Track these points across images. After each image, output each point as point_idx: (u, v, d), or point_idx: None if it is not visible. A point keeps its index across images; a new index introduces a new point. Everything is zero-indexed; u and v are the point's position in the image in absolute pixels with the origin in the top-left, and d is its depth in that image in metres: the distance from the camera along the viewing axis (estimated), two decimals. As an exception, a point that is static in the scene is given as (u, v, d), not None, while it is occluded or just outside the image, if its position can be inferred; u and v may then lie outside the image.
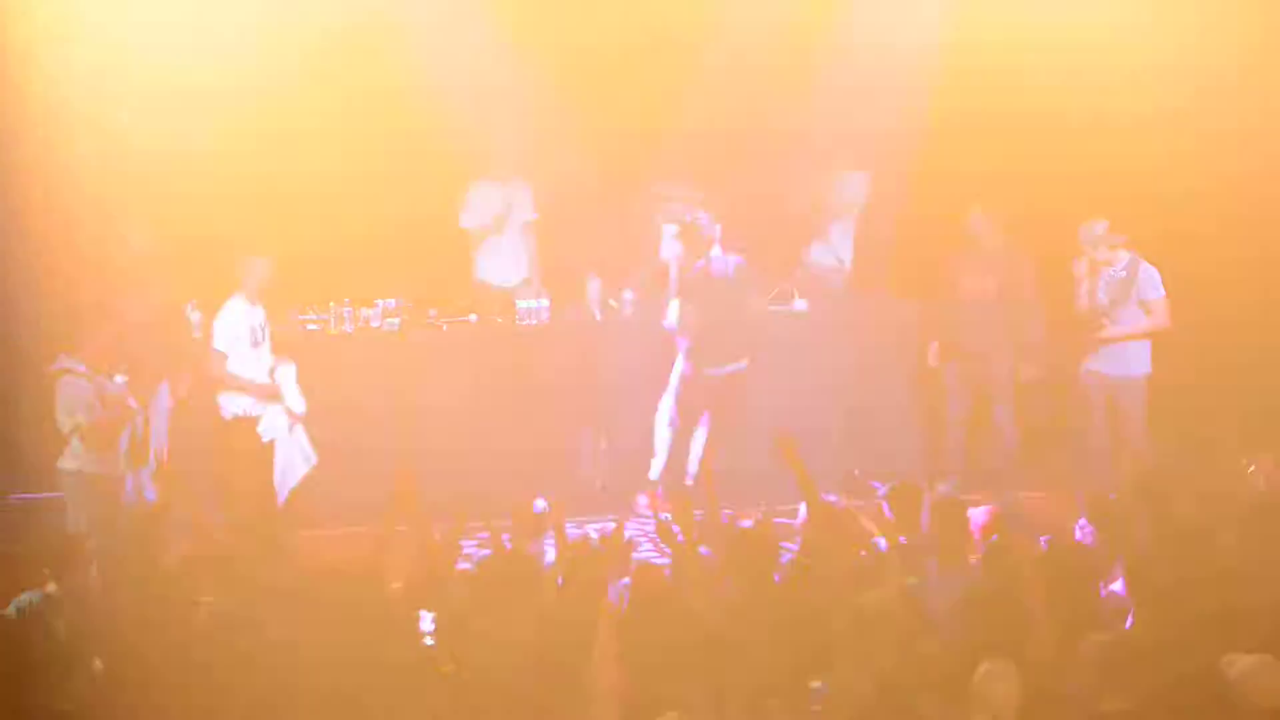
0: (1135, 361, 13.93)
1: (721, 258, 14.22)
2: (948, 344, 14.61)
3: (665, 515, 12.96)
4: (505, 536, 10.55)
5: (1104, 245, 13.77)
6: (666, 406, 14.32)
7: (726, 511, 13.26)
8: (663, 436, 14.37)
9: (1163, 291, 13.79)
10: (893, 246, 16.35)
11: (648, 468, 14.65)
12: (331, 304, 14.17)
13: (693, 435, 14.51)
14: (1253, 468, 13.82)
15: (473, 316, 14.71)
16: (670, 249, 14.87)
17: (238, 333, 13.28)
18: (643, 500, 14.29)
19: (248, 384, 13.36)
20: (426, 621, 9.13)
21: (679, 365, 14.27)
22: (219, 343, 13.28)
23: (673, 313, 14.11)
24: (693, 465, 14.40)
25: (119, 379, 12.36)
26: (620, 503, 14.37)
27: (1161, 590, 9.28)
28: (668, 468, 14.39)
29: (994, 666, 8.16)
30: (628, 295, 14.88)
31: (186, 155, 15.16)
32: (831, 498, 14.26)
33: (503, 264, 15.26)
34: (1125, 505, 10.37)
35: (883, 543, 10.42)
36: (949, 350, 14.60)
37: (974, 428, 14.82)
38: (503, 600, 9.00)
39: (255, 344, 13.37)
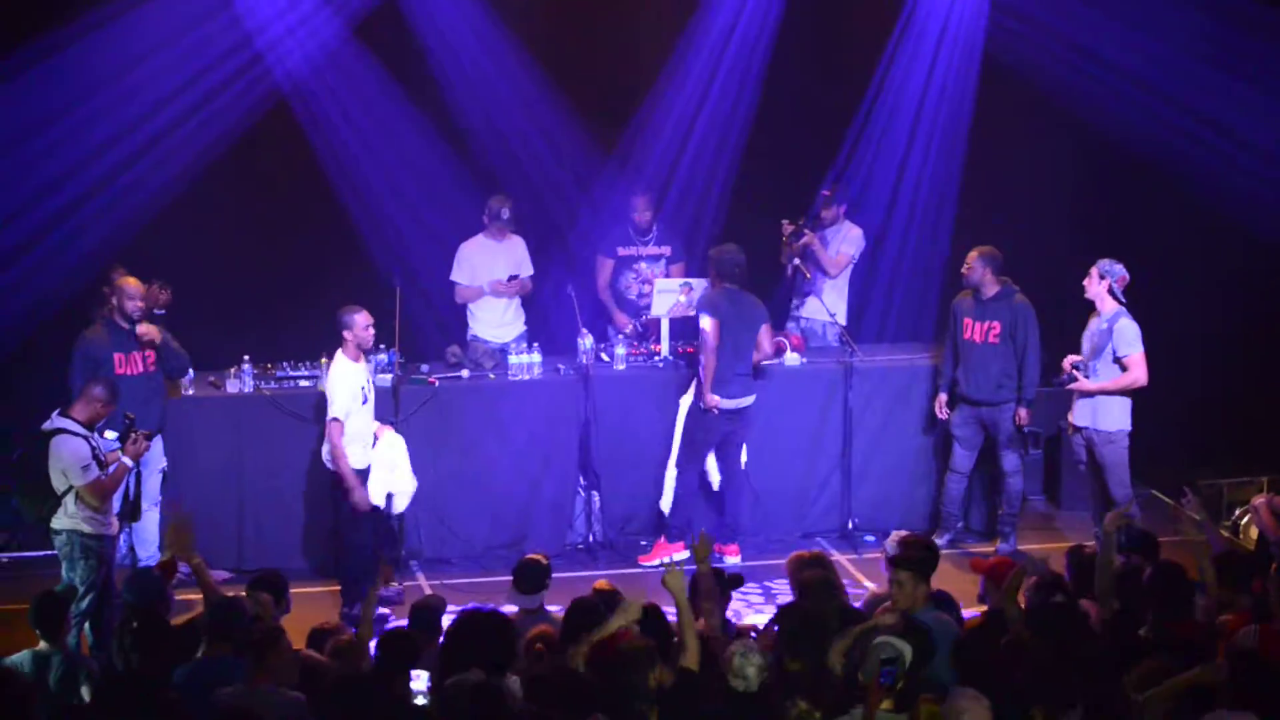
0: (1111, 417, 13.80)
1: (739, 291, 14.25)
2: (953, 393, 14.56)
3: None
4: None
5: (1106, 287, 13.72)
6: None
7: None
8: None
9: (1140, 348, 13.66)
10: (887, 298, 16.57)
11: (638, 522, 14.67)
12: (323, 359, 14.10)
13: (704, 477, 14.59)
14: (1246, 518, 13.86)
15: (465, 372, 14.66)
16: (663, 305, 14.91)
17: (352, 393, 13.12)
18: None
19: (351, 473, 13.19)
20: (420, 681, 9.09)
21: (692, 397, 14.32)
22: (336, 409, 13.07)
23: (709, 331, 14.05)
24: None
25: (112, 436, 12.32)
26: (614, 558, 14.39)
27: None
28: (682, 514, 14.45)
29: (966, 692, 8.34)
30: (620, 352, 14.85)
31: (176, 215, 15.37)
32: (821, 543, 14.43)
33: (496, 320, 15.23)
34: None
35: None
36: (954, 398, 14.56)
37: (986, 475, 14.82)
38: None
39: (364, 402, 13.22)
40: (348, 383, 13.09)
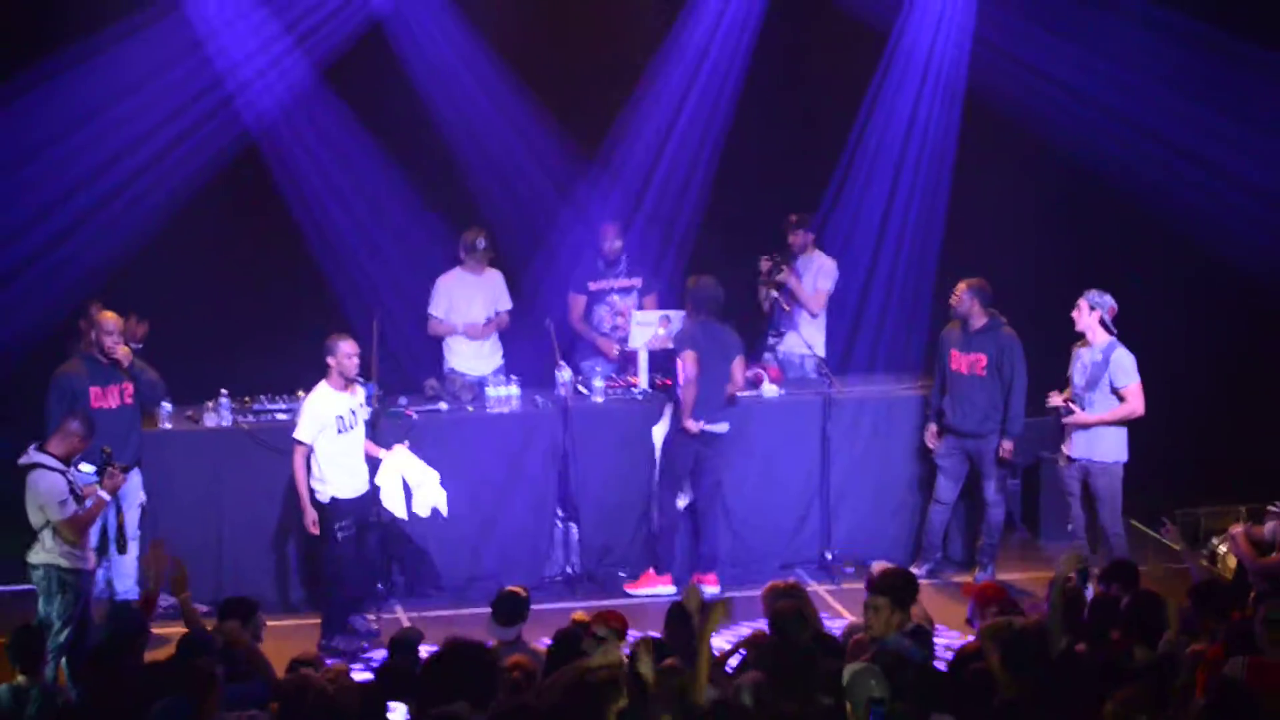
0: (1106, 448, 13.80)
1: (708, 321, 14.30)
2: (939, 423, 14.59)
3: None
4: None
5: (1098, 319, 13.74)
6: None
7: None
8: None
9: (1137, 378, 13.69)
10: (876, 329, 16.65)
11: (617, 554, 14.67)
12: (300, 391, 14.10)
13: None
14: (1224, 547, 13.88)
15: (443, 404, 14.66)
16: (640, 337, 14.93)
17: (323, 421, 13.16)
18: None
19: (306, 494, 13.23)
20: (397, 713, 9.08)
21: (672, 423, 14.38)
22: (299, 431, 13.19)
23: (690, 363, 14.13)
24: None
25: (88, 470, 12.30)
26: (592, 589, 14.37)
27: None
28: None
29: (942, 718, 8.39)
30: (598, 384, 14.86)
31: (154, 249, 15.42)
32: (800, 574, 14.41)
33: (473, 352, 15.24)
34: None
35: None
36: (940, 428, 14.59)
37: (966, 506, 14.86)
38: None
39: (342, 430, 13.24)
40: (319, 408, 13.15)
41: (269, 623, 11.07)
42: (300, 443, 13.13)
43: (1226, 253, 15.80)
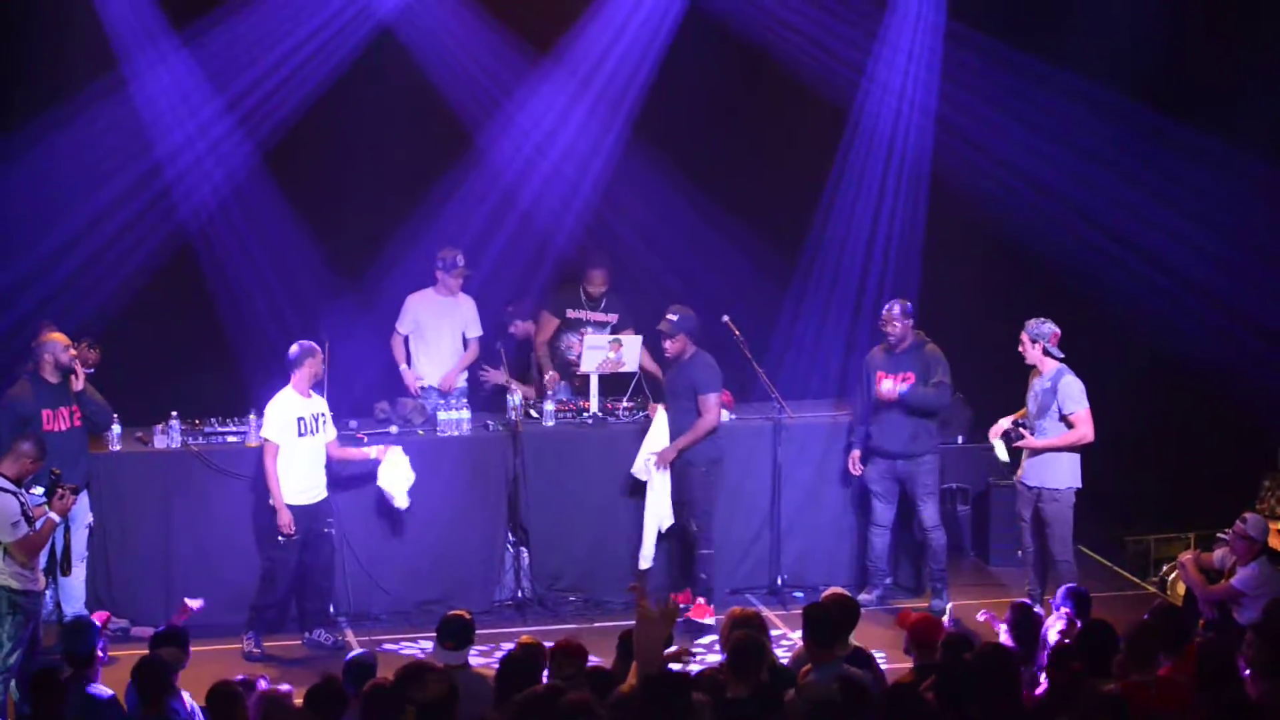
0: (1058, 474, 13.74)
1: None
2: (867, 448, 14.62)
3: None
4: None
5: (1041, 349, 13.77)
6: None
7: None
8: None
9: (1085, 405, 13.67)
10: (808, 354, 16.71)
11: (568, 579, 14.65)
12: (251, 414, 14.07)
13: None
14: (1174, 574, 13.94)
15: (394, 428, 14.63)
16: (592, 361, 14.93)
17: (284, 421, 13.31)
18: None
19: (279, 494, 13.37)
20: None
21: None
22: (267, 430, 13.37)
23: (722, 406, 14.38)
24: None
25: (38, 492, 12.24)
26: (542, 614, 14.34)
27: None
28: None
29: None
30: (549, 408, 14.85)
31: (108, 272, 15.44)
32: (750, 599, 14.41)
33: (437, 374, 15.24)
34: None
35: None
36: (869, 453, 14.61)
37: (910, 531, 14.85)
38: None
39: (303, 434, 13.40)
40: (282, 407, 13.41)
41: (217, 647, 11.02)
42: (268, 440, 13.34)
43: (1173, 317, 15.99)
